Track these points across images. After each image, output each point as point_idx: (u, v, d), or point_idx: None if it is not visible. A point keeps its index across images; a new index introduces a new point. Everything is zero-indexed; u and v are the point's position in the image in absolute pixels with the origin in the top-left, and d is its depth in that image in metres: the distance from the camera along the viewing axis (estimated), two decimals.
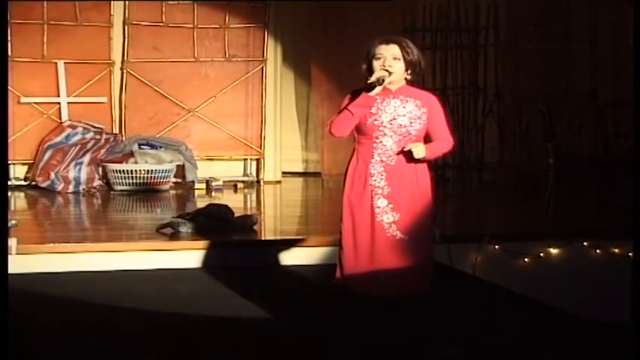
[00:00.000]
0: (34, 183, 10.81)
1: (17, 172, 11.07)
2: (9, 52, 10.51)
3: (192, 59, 11.49)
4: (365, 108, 5.17)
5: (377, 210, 5.22)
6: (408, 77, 5.28)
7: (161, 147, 11.00)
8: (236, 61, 11.58)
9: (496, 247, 7.41)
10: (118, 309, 6.09)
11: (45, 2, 10.99)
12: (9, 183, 10.74)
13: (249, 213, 8.88)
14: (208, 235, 7.57)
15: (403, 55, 5.20)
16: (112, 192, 10.61)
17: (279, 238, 8.08)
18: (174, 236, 7.62)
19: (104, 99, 11.27)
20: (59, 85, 11.12)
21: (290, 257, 7.34)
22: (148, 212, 9.87)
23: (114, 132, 11.21)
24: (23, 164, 11.07)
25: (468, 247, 7.41)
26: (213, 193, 10.72)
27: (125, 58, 11.29)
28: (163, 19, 11.38)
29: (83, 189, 10.56)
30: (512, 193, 10.64)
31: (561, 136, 10.66)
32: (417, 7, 11.40)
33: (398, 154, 5.21)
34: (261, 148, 11.65)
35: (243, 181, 11.52)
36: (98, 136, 10.92)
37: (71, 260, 7.11)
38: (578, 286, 7.18)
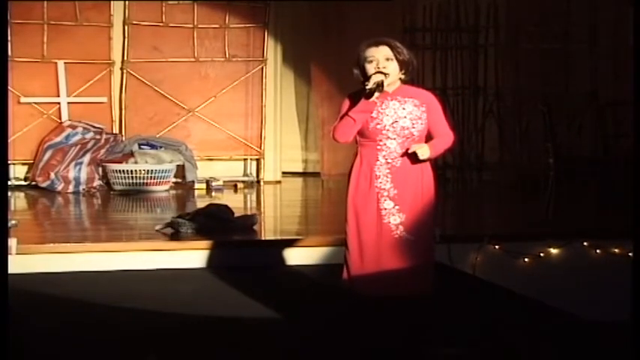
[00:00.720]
0: (34, 183, 10.82)
1: (17, 172, 11.08)
2: (9, 52, 10.52)
3: (192, 59, 11.49)
4: (366, 113, 5.17)
5: (383, 212, 5.21)
6: (403, 77, 5.27)
7: (161, 147, 11.00)
8: (236, 61, 11.59)
9: (496, 247, 7.41)
10: (118, 309, 6.09)
11: (45, 2, 10.99)
12: (9, 183, 10.75)
13: (249, 213, 8.88)
14: (208, 235, 7.57)
15: (395, 56, 5.20)
16: (112, 192, 10.61)
17: (279, 238, 8.07)
18: (175, 236, 7.62)
19: (104, 99, 11.27)
20: (59, 85, 11.12)
21: (290, 257, 7.34)
22: (147, 212, 9.87)
23: (114, 132, 11.21)
24: (23, 164, 11.08)
25: (468, 247, 7.41)
26: (213, 193, 10.72)
27: (125, 58, 11.30)
28: (163, 19, 11.39)
29: (83, 189, 10.57)
30: (512, 193, 10.64)
31: (561, 136, 10.66)
32: (417, 7, 11.40)
33: (402, 155, 5.21)
34: (261, 148, 11.66)
35: (243, 181, 11.52)
36: (98, 136, 10.92)
37: (71, 260, 7.11)
38: (578, 286, 7.18)
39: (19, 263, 6.76)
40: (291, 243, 7.45)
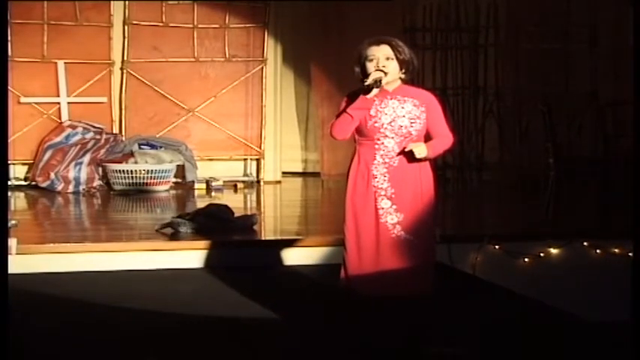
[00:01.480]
0: (34, 183, 10.82)
1: (17, 172, 11.08)
2: (9, 52, 10.51)
3: (192, 59, 11.49)
4: (363, 110, 5.17)
5: (381, 211, 5.22)
6: (403, 77, 5.28)
7: (161, 147, 11.00)
8: (236, 61, 11.59)
9: (496, 247, 7.40)
10: (118, 309, 6.09)
11: (45, 2, 10.99)
12: (9, 183, 10.75)
13: (249, 213, 8.88)
14: (208, 235, 7.57)
15: (395, 55, 5.21)
16: (112, 192, 10.61)
17: (279, 238, 8.07)
18: (175, 236, 7.62)
19: (104, 99, 11.27)
20: (59, 85, 11.12)
21: (290, 257, 7.34)
22: (147, 212, 9.87)
23: (114, 132, 11.21)
24: (23, 164, 11.08)
25: (468, 247, 7.41)
26: (213, 193, 10.72)
27: (125, 58, 11.30)
28: (163, 19, 11.39)
29: (83, 189, 10.57)
30: (512, 193, 10.64)
31: (561, 136, 10.65)
32: (417, 7, 11.39)
33: (399, 154, 5.21)
34: (261, 148, 11.66)
35: (243, 181, 11.52)
36: (98, 136, 10.92)
37: (71, 260, 7.11)
38: (578, 286, 7.18)
39: (19, 263, 6.76)
40: (291, 243, 7.45)
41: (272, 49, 11.70)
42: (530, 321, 6.04)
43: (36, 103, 11.07)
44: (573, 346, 5.51)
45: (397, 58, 5.21)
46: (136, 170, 10.60)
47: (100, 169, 10.75)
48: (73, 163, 10.61)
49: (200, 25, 11.48)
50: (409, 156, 5.19)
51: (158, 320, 5.87)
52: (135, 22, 11.32)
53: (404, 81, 5.30)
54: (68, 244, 7.31)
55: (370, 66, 5.20)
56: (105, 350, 5.25)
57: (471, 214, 9.92)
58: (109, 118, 11.28)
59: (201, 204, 8.96)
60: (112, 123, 11.28)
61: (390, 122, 5.21)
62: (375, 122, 5.20)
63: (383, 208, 5.22)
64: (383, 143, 5.22)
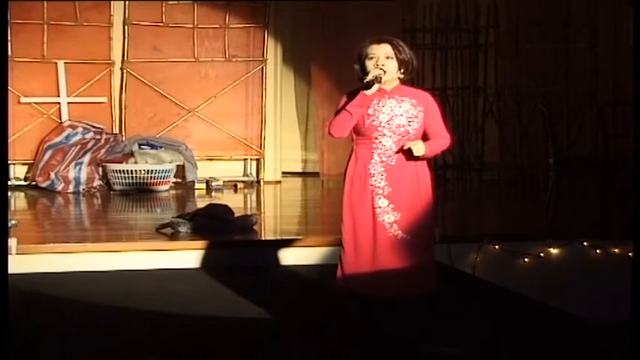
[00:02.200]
0: (34, 183, 10.82)
1: (17, 172, 11.08)
2: (9, 52, 10.51)
3: (193, 59, 11.49)
4: (362, 107, 5.18)
5: (378, 210, 5.22)
6: (401, 76, 5.29)
7: (161, 147, 11.00)
8: (236, 61, 11.59)
9: (496, 247, 7.41)
10: (118, 309, 6.09)
11: (45, 2, 10.99)
12: (9, 183, 10.75)
13: (249, 213, 8.88)
14: (208, 235, 7.57)
15: (395, 54, 5.23)
16: (112, 192, 10.61)
17: (279, 238, 8.07)
18: (174, 236, 7.62)
19: (104, 99, 11.27)
20: (59, 85, 11.12)
21: (290, 257, 7.34)
22: (148, 212, 9.87)
23: (114, 132, 11.21)
24: (23, 164, 11.08)
25: (468, 247, 7.42)
26: (213, 193, 10.73)
27: (125, 58, 11.30)
28: (163, 19, 11.39)
29: (83, 189, 10.57)
30: (512, 193, 10.64)
31: (561, 136, 10.65)
32: (417, 7, 11.39)
33: (397, 152, 5.21)
34: (261, 148, 11.66)
35: (243, 181, 11.52)
36: (98, 136, 10.92)
37: (71, 260, 7.11)
38: (578, 286, 7.19)
39: (19, 263, 6.76)
40: (290, 243, 7.45)
41: (272, 49, 11.69)
42: (530, 321, 6.04)
43: (36, 103, 11.07)
44: (573, 346, 5.51)
45: (397, 58, 5.23)
46: (136, 170, 10.60)
47: (100, 169, 10.75)
48: (73, 163, 10.62)
49: (200, 25, 11.48)
50: (407, 154, 5.20)
51: (158, 320, 5.87)
52: (135, 22, 11.32)
53: (402, 81, 5.31)
54: (68, 244, 7.31)
55: (369, 64, 5.21)
56: (105, 350, 5.25)
57: (471, 214, 9.92)
58: (109, 118, 11.27)
59: (201, 204, 8.96)
60: (112, 123, 11.28)
61: (388, 121, 5.21)
62: (373, 121, 5.21)
63: (380, 207, 5.22)
64: (380, 142, 5.23)
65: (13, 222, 7.72)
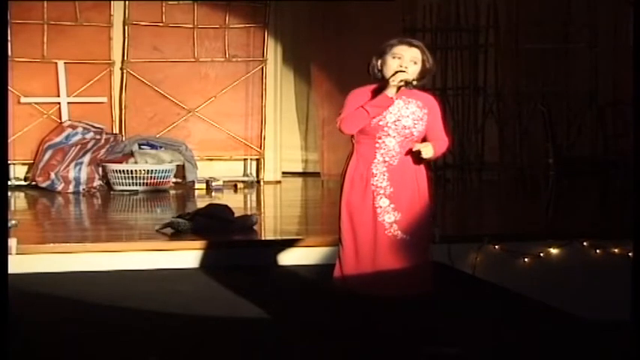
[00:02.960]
0: (34, 183, 10.81)
1: (17, 172, 11.08)
2: (9, 52, 10.51)
3: (192, 59, 11.49)
4: (381, 108, 5.16)
5: (378, 210, 5.21)
6: (415, 82, 5.26)
7: (161, 147, 11.00)
8: (236, 61, 11.59)
9: (496, 247, 7.41)
10: (118, 309, 6.09)
11: (45, 2, 10.99)
12: (9, 183, 10.75)
13: (249, 213, 8.88)
14: (208, 235, 7.57)
15: (423, 61, 5.21)
16: (112, 192, 10.61)
17: (279, 238, 8.07)
18: (174, 236, 7.62)
19: (104, 99, 11.27)
20: (59, 85, 11.12)
21: (290, 257, 7.34)
22: (148, 212, 9.87)
23: (114, 132, 11.21)
24: (23, 164, 11.08)
25: (467, 247, 7.41)
26: (213, 193, 10.73)
27: (125, 58, 11.30)
28: (163, 19, 11.38)
29: (83, 189, 10.57)
30: (513, 193, 10.64)
31: (561, 136, 10.65)
32: (417, 7, 11.39)
33: (407, 154, 5.20)
34: (261, 148, 11.66)
35: (243, 181, 11.52)
36: (98, 136, 10.92)
37: (71, 260, 7.11)
38: (578, 286, 7.19)
39: (19, 263, 6.75)
40: (290, 243, 7.45)
41: (272, 49, 11.69)
42: (530, 321, 6.05)
43: (36, 103, 11.07)
44: (573, 346, 5.51)
45: (424, 64, 5.21)
46: (136, 170, 10.60)
47: (100, 169, 10.75)
48: (73, 163, 10.62)
49: (200, 25, 11.48)
50: (414, 156, 5.20)
51: (158, 320, 5.87)
52: (135, 22, 11.32)
53: (413, 86, 5.28)
54: (68, 244, 7.31)
55: (394, 63, 5.18)
56: (105, 350, 5.25)
57: (471, 214, 9.92)
58: (109, 118, 11.27)
59: (201, 204, 8.96)
60: (112, 123, 11.28)
61: (395, 121, 5.20)
62: (380, 120, 5.19)
63: (381, 207, 5.22)
64: (384, 142, 5.22)
65: (13, 222, 7.72)
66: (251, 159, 11.74)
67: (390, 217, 5.22)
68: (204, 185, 10.99)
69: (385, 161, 5.22)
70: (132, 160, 10.70)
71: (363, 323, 5.23)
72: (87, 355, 5.19)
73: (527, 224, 8.74)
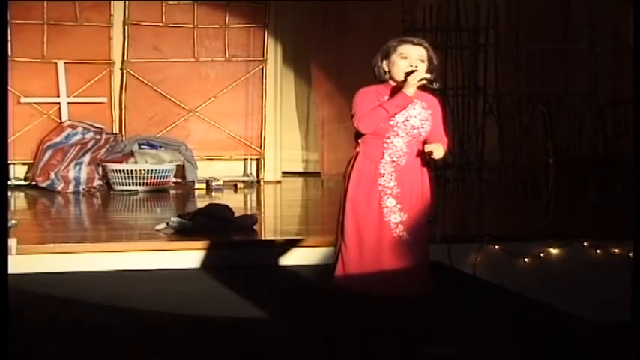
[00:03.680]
0: (34, 183, 10.82)
1: (17, 172, 11.09)
2: (9, 52, 10.52)
3: (192, 59, 11.49)
4: (401, 108, 5.16)
5: (385, 210, 5.20)
6: (435, 82, 5.26)
7: (161, 147, 11.01)
8: (236, 61, 11.59)
9: (496, 247, 7.40)
10: (118, 309, 6.09)
11: (45, 2, 11.00)
12: (9, 183, 10.75)
13: (249, 213, 8.88)
14: (208, 235, 7.57)
15: (429, 59, 5.21)
16: (112, 192, 10.61)
17: (279, 238, 8.07)
18: (174, 236, 7.62)
19: (104, 99, 11.28)
20: (59, 85, 11.13)
21: (290, 257, 7.34)
22: (148, 212, 9.87)
23: (114, 132, 11.22)
24: (23, 164, 11.08)
25: (467, 247, 7.41)
26: (213, 193, 10.73)
27: (125, 58, 11.30)
28: (163, 19, 11.39)
29: (83, 189, 10.57)
30: (512, 193, 10.64)
31: (561, 136, 10.65)
32: (417, 7, 11.39)
33: (417, 155, 5.20)
34: (261, 148, 11.66)
35: (243, 181, 11.53)
36: (98, 136, 10.92)
37: (71, 260, 7.11)
38: (578, 286, 7.18)
39: (19, 263, 6.75)
40: (290, 243, 7.45)
41: (272, 49, 11.70)
42: (530, 321, 6.05)
43: (36, 103, 11.07)
44: (573, 346, 5.51)
45: (430, 62, 5.21)
46: (136, 170, 10.60)
47: (100, 169, 10.75)
48: (73, 163, 10.62)
49: (200, 25, 11.48)
50: (423, 157, 5.20)
51: (158, 320, 5.87)
52: (135, 22, 11.32)
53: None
54: (68, 244, 7.31)
55: (403, 63, 5.18)
56: (105, 350, 5.25)
57: (471, 214, 9.92)
58: (109, 118, 11.28)
59: (201, 204, 8.97)
60: (112, 123, 11.29)
61: (404, 121, 5.20)
62: (390, 120, 5.19)
63: (388, 207, 5.21)
64: (393, 142, 5.21)
65: (13, 222, 7.72)
66: (251, 159, 11.75)
67: (397, 218, 5.21)
68: (204, 185, 10.99)
69: (393, 161, 5.21)
70: (132, 160, 10.70)
71: (363, 323, 5.23)
72: (86, 355, 5.19)
73: (527, 224, 8.74)
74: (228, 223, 7.93)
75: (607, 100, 10.67)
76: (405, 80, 5.14)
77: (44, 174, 10.67)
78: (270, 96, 11.69)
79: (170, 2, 11.39)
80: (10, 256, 6.22)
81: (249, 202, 10.83)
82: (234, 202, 9.77)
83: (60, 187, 10.56)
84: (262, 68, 11.63)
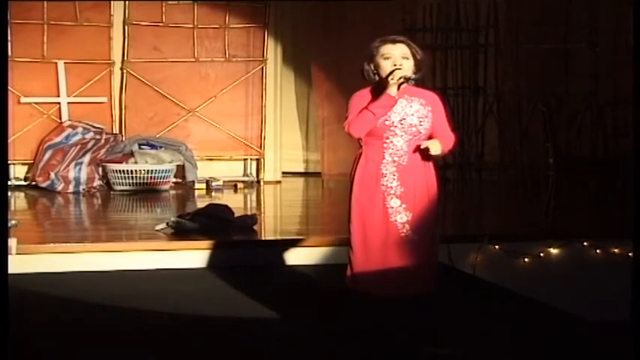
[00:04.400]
0: (34, 183, 10.82)
1: (17, 172, 11.09)
2: (9, 52, 10.52)
3: (192, 59, 11.49)
4: (385, 108, 5.14)
5: (390, 210, 5.19)
6: (414, 77, 5.25)
7: (161, 147, 11.01)
8: (236, 61, 11.59)
9: (496, 247, 7.40)
10: (118, 309, 6.09)
11: (45, 2, 11.00)
12: (9, 183, 10.75)
13: (249, 213, 8.88)
14: (208, 235, 7.57)
15: (413, 54, 5.19)
16: (112, 192, 10.62)
17: (279, 238, 8.07)
18: (174, 236, 7.62)
19: (104, 99, 11.28)
20: (59, 85, 11.13)
21: (290, 257, 7.34)
22: (148, 212, 9.87)
23: (114, 132, 11.22)
24: (23, 164, 11.08)
25: (468, 247, 7.41)
26: (213, 193, 10.73)
27: (125, 58, 11.30)
28: (163, 19, 11.39)
29: (83, 189, 10.57)
30: (512, 193, 10.64)
31: (561, 136, 10.65)
32: (417, 7, 11.39)
33: (414, 152, 5.19)
34: (261, 148, 11.66)
35: (243, 181, 11.53)
36: (98, 136, 10.92)
37: (71, 260, 7.11)
38: (578, 286, 7.18)
39: (19, 263, 6.76)
40: (291, 243, 7.45)
41: (272, 49, 11.70)
42: (530, 321, 6.05)
43: (36, 103, 11.07)
44: (573, 346, 5.51)
45: (414, 58, 5.19)
46: (136, 170, 10.61)
47: (100, 169, 10.75)
48: (73, 163, 10.62)
49: (200, 25, 11.48)
50: (421, 154, 5.19)
51: (158, 320, 5.87)
52: (135, 22, 11.32)
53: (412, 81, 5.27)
54: (68, 244, 7.31)
55: (387, 64, 5.16)
56: (105, 350, 5.25)
57: (471, 214, 9.92)
58: (109, 118, 11.28)
59: (201, 204, 8.96)
60: (112, 123, 11.29)
61: (400, 120, 5.19)
62: (386, 120, 5.17)
63: (392, 207, 5.20)
64: (392, 142, 5.20)
65: (13, 222, 7.72)
66: (251, 159, 11.75)
67: (402, 218, 5.20)
68: (204, 185, 10.99)
69: (394, 161, 5.20)
70: (132, 160, 10.70)
71: (363, 323, 5.23)
72: (86, 355, 5.19)
73: (527, 224, 8.74)
74: (229, 223, 7.93)
75: (607, 100, 10.66)
76: (386, 80, 5.14)
77: (44, 174, 10.67)
78: (270, 96, 11.69)
79: (170, 2, 11.39)
80: (10, 256, 6.22)
81: (249, 202, 10.83)
82: (234, 202, 9.77)
83: (60, 187, 10.56)
84: (262, 68, 11.63)
